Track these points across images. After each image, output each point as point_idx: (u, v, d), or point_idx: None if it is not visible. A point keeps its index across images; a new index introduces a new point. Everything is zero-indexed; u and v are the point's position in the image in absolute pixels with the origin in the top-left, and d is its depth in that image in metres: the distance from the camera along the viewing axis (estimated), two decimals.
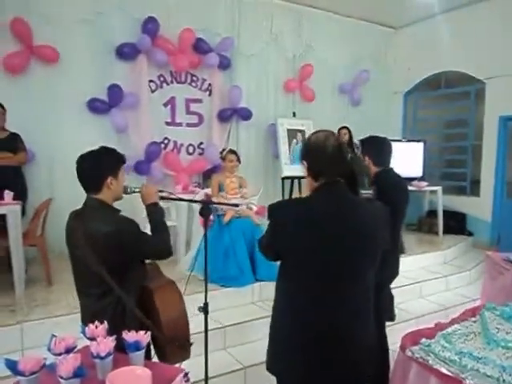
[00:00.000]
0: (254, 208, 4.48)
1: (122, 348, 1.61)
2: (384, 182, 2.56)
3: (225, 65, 5.86)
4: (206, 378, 2.39)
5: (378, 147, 2.74)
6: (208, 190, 4.51)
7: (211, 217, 4.15)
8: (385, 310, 3.93)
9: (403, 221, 2.72)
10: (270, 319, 1.69)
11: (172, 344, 1.84)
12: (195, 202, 2.41)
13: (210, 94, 5.90)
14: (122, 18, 5.14)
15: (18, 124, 4.32)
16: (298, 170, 6.16)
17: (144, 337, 1.62)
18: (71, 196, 1.95)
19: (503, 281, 3.19)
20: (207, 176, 5.44)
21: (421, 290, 4.68)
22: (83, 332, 1.66)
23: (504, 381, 1.56)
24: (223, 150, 4.53)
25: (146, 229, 2.06)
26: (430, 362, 1.72)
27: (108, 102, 5.05)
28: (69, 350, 1.55)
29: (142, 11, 5.15)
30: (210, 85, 5.88)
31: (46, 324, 3.03)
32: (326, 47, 6.71)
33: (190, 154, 5.84)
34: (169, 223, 4.89)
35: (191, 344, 1.98)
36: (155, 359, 1.98)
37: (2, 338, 2.90)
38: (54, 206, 4.04)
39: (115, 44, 5.10)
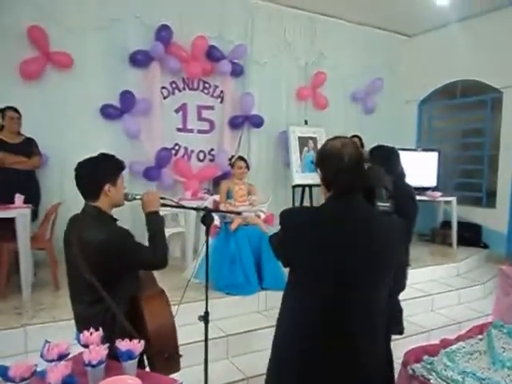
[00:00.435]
0: (263, 216, 4.46)
1: (115, 356, 1.59)
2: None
3: (237, 72, 5.87)
4: None
5: (386, 156, 2.70)
6: (217, 197, 4.50)
7: (218, 224, 4.16)
8: (391, 322, 3.88)
9: (412, 232, 2.67)
10: (274, 329, 1.63)
11: (160, 355, 1.82)
12: (196, 209, 2.38)
13: (221, 101, 5.92)
14: (136, 26, 5.20)
15: (33, 129, 4.40)
16: (309, 178, 6.13)
17: (137, 346, 1.60)
18: (80, 200, 1.96)
19: None
20: (217, 183, 5.43)
21: (432, 303, 4.57)
22: (77, 339, 1.65)
23: None
24: (232, 156, 4.52)
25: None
26: (432, 381, 1.66)
27: (120, 108, 5.10)
28: (61, 357, 1.54)
29: (155, 19, 5.21)
30: (221, 92, 5.90)
31: (50, 328, 3.05)
32: (338, 55, 6.67)
33: (200, 160, 5.85)
34: (177, 229, 4.97)
35: (180, 356, 1.95)
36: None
37: (7, 341, 2.93)
38: (63, 209, 4.07)
39: (129, 51, 5.16)
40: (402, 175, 3.24)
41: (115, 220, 2.00)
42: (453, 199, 6.08)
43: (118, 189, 1.97)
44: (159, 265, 1.97)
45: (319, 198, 6.52)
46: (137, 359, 1.58)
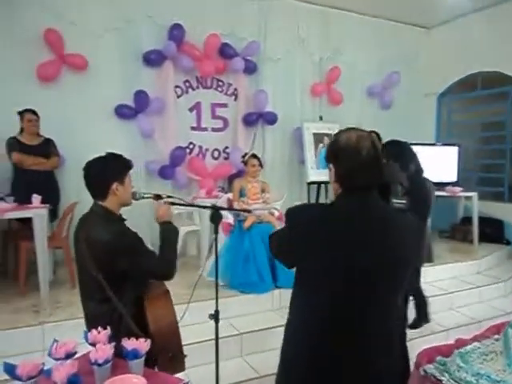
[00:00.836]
0: (277, 213, 4.43)
1: (123, 355, 1.60)
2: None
3: (251, 69, 5.85)
4: None
5: (399, 152, 2.63)
6: (231, 195, 4.50)
7: (232, 222, 4.16)
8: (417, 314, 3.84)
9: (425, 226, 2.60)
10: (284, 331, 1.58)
11: (164, 354, 1.82)
12: (204, 207, 2.38)
13: (235, 99, 5.91)
14: (149, 26, 5.23)
15: (50, 130, 4.47)
16: (325, 174, 6.02)
17: (143, 344, 1.61)
18: None
19: None
20: (232, 181, 5.43)
21: (452, 301, 4.46)
22: (85, 337, 1.67)
23: None
24: (245, 154, 4.51)
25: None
26: (444, 382, 1.61)
27: (135, 108, 5.14)
28: (68, 356, 1.55)
29: (168, 18, 5.22)
30: (235, 89, 5.88)
31: (67, 326, 3.10)
32: (354, 49, 6.57)
33: (215, 158, 5.86)
34: (192, 228, 4.99)
35: (185, 356, 1.96)
36: None
37: (25, 338, 3.00)
38: (79, 209, 4.12)
39: (142, 51, 5.20)
40: (419, 171, 3.18)
41: (123, 220, 2.01)
42: (474, 194, 5.92)
43: (125, 188, 1.98)
44: (162, 274, 1.94)
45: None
46: (143, 358, 1.59)
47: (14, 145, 4.16)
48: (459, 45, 6.61)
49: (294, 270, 1.47)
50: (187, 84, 5.60)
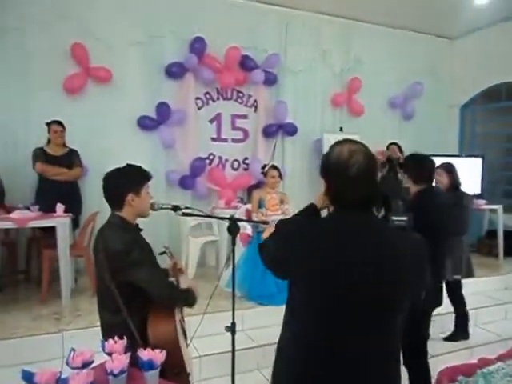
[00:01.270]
0: None
1: (138, 365, 1.61)
2: (424, 202, 2.41)
3: (271, 81, 5.89)
4: None
5: (418, 165, 2.59)
6: (249, 206, 4.50)
7: (250, 233, 4.15)
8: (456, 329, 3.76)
9: (447, 243, 2.54)
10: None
11: (169, 370, 1.81)
12: (221, 219, 2.39)
13: (255, 110, 5.95)
14: (171, 40, 5.35)
15: (76, 140, 4.60)
16: None
17: (159, 355, 1.61)
18: None
19: None
20: (251, 191, 5.44)
21: (476, 318, 4.32)
22: (103, 347, 1.68)
23: None
24: (265, 165, 4.50)
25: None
26: None
27: (156, 119, 5.23)
28: (85, 365, 1.56)
29: (190, 32, 5.33)
30: (255, 101, 5.92)
31: (86, 334, 3.13)
32: (375, 60, 6.53)
33: (234, 169, 5.89)
34: (211, 238, 5.01)
35: (188, 374, 1.95)
36: None
37: (45, 345, 3.05)
38: (100, 218, 4.20)
39: (164, 64, 5.31)
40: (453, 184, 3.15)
41: (139, 229, 2.04)
42: (499, 207, 5.77)
43: (142, 199, 2.00)
44: (158, 295, 1.93)
45: None
46: (158, 369, 1.59)
47: (39, 155, 4.27)
48: (483, 55, 6.49)
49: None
50: (208, 96, 5.67)
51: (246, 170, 5.92)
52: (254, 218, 4.09)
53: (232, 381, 2.39)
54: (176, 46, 5.36)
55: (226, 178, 5.69)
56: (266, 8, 5.81)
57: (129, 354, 1.58)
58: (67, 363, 1.58)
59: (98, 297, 2.04)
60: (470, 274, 3.87)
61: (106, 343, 1.67)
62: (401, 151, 5.76)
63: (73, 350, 1.63)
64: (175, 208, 2.15)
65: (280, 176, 4.36)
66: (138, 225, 2.06)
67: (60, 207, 3.88)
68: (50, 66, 4.77)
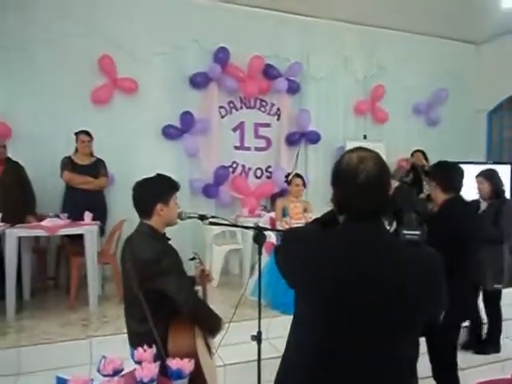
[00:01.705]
0: None
1: (166, 374, 1.62)
2: (451, 211, 2.36)
3: (293, 89, 5.91)
4: None
5: (448, 172, 2.54)
6: (273, 214, 4.50)
7: (275, 241, 4.15)
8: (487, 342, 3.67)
9: (475, 252, 2.47)
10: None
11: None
12: (248, 228, 2.39)
13: (278, 119, 5.97)
14: (196, 50, 5.45)
15: (103, 150, 4.70)
16: None
17: (188, 364, 1.62)
18: None
19: None
20: (275, 199, 5.44)
21: (507, 330, 4.17)
22: (132, 355, 1.71)
23: None
24: (288, 174, 4.50)
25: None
26: None
27: (181, 128, 5.31)
28: (116, 373, 1.59)
29: (213, 42, 5.41)
30: (278, 109, 5.95)
31: (113, 340, 3.16)
32: (399, 67, 6.47)
33: (257, 177, 5.91)
34: (235, 246, 5.03)
35: None
36: None
37: (73, 351, 3.10)
38: (127, 226, 4.28)
39: (188, 74, 5.40)
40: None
41: (168, 239, 2.06)
42: None
43: (170, 208, 2.03)
44: (184, 303, 1.92)
45: None
46: (187, 378, 1.60)
47: (66, 164, 4.39)
48: (509, 60, 6.34)
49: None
50: (231, 104, 5.73)
51: (268, 178, 5.93)
52: (278, 227, 4.08)
53: None
54: (200, 56, 5.45)
55: (249, 187, 5.71)
56: (288, 17, 5.85)
57: (158, 362, 1.60)
58: (98, 370, 1.60)
59: (125, 305, 2.07)
60: (499, 281, 3.76)
61: (135, 351, 1.70)
62: (426, 158, 5.68)
63: (103, 357, 1.66)
64: (202, 217, 2.17)
65: (304, 184, 4.35)
66: (165, 234, 2.09)
67: (88, 215, 3.97)
68: (79, 78, 4.91)
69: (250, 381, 2.69)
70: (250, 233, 4.62)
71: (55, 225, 3.77)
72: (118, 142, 5.08)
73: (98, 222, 4.10)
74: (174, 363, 1.60)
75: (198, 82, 5.40)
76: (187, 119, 5.28)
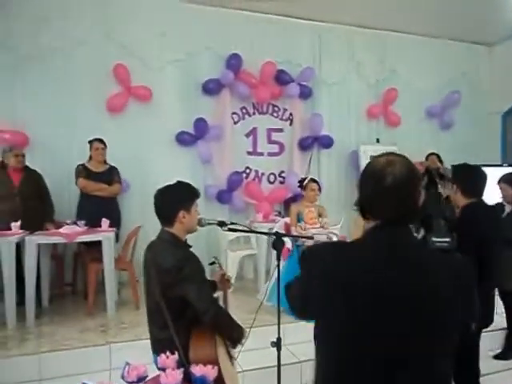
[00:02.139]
0: (335, 238, 4.37)
1: (189, 380, 1.64)
2: (473, 215, 2.34)
3: (306, 94, 5.92)
4: None
5: (471, 176, 2.51)
6: (287, 219, 4.50)
7: (290, 247, 4.14)
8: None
9: (499, 255, 2.44)
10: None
11: None
12: (267, 234, 2.40)
13: (290, 124, 5.99)
14: (208, 57, 5.50)
15: (117, 157, 4.75)
16: None
17: (211, 371, 1.63)
18: (159, 224, 2.11)
19: None
20: (288, 204, 5.43)
21: None
22: (155, 362, 1.72)
23: None
24: (303, 179, 4.49)
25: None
26: None
27: (194, 135, 5.36)
28: (140, 379, 1.61)
29: (226, 48, 5.46)
30: (291, 114, 5.97)
31: (132, 346, 3.19)
32: (411, 70, 6.45)
33: (271, 182, 5.92)
34: (249, 252, 5.03)
35: None
36: None
37: (93, 357, 3.14)
38: (143, 233, 4.32)
39: (201, 81, 5.45)
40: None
41: (189, 246, 2.08)
42: None
43: (192, 216, 2.05)
44: (203, 311, 1.93)
45: None
46: None
47: (81, 171, 4.44)
48: None
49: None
50: (244, 110, 5.76)
51: (282, 183, 5.94)
52: (294, 232, 4.08)
53: None
54: (212, 62, 5.50)
55: (262, 192, 5.73)
56: (300, 23, 5.88)
57: (182, 369, 1.61)
58: (122, 377, 1.63)
59: (148, 312, 2.09)
60: None
61: (158, 358, 1.71)
62: (440, 161, 5.63)
63: (127, 364, 1.68)
64: (221, 223, 2.19)
65: (319, 189, 4.35)
66: (186, 240, 2.11)
67: (105, 222, 4.01)
68: (94, 87, 4.99)
69: None
70: (265, 238, 4.68)
71: (73, 232, 3.82)
72: (133, 149, 5.14)
73: (115, 229, 4.14)
74: (197, 370, 1.62)
75: (211, 88, 5.44)
76: (201, 126, 5.32)
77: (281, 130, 5.96)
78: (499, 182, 3.61)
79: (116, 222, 4.41)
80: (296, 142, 5.93)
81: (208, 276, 2.18)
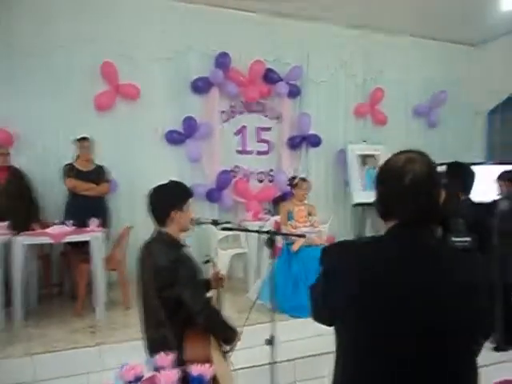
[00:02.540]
0: (324, 237, 4.41)
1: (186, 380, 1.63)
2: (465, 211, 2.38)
3: (294, 93, 5.94)
4: None
5: (468, 174, 2.55)
6: (277, 218, 4.51)
7: (280, 245, 4.16)
8: None
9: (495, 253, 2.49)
10: None
11: None
12: (262, 232, 2.41)
13: (279, 122, 6.00)
14: (197, 55, 5.47)
15: (105, 157, 4.70)
16: (371, 196, 5.96)
17: (208, 370, 1.62)
18: (148, 223, 2.09)
19: None
20: (277, 203, 5.44)
21: None
22: (149, 362, 1.71)
23: None
24: (293, 177, 4.49)
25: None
26: None
27: (183, 134, 5.33)
28: (137, 379, 1.59)
29: (215, 47, 5.44)
30: (279, 113, 5.97)
31: (123, 347, 3.16)
32: (398, 70, 6.52)
33: (260, 181, 5.93)
34: (239, 250, 5.02)
35: None
36: None
37: (83, 358, 3.09)
38: (133, 232, 4.29)
39: (190, 79, 5.42)
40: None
41: (183, 246, 2.07)
42: None
43: (185, 215, 2.04)
44: (200, 314, 1.93)
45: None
46: None
47: (69, 170, 4.38)
48: (508, 61, 6.40)
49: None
50: (233, 109, 5.75)
51: (271, 181, 5.95)
52: (284, 231, 4.09)
53: None
54: (201, 61, 5.47)
55: (251, 190, 5.73)
56: (288, 22, 5.87)
57: (179, 369, 1.60)
58: (119, 377, 1.61)
59: (142, 311, 2.07)
60: None
61: (154, 358, 1.70)
62: None
63: (124, 364, 1.66)
64: (215, 222, 2.19)
65: (309, 188, 4.37)
66: (181, 240, 2.10)
67: (94, 222, 3.96)
68: (81, 85, 4.92)
69: None
70: (255, 237, 4.68)
71: (61, 232, 3.76)
72: (121, 147, 5.09)
73: (104, 229, 4.09)
74: (194, 369, 1.61)
75: (200, 86, 5.42)
76: (190, 124, 5.30)
77: (269, 129, 5.96)
78: (498, 180, 3.74)
79: (105, 222, 4.36)
80: (285, 140, 5.94)
81: (204, 274, 2.17)
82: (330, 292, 1.14)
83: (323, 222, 4.82)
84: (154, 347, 1.97)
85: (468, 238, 1.39)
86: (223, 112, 5.68)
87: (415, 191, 1.08)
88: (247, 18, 5.63)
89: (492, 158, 6.84)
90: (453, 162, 2.70)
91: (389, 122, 6.54)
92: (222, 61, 5.39)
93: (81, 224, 3.98)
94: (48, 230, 3.78)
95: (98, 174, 4.52)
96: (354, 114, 6.44)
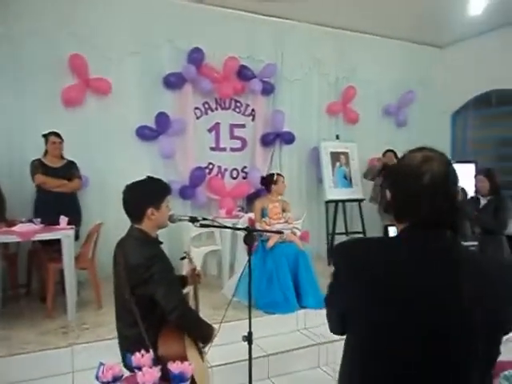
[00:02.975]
0: (298, 233, 4.46)
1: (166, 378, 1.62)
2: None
3: (268, 90, 5.95)
4: None
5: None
6: (252, 215, 4.52)
7: (255, 242, 4.17)
8: None
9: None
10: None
11: None
12: (239, 229, 2.41)
13: (253, 119, 6.00)
14: (170, 50, 5.39)
15: (74, 152, 4.56)
16: (343, 193, 6.09)
17: (189, 368, 1.62)
18: (121, 221, 2.05)
19: None
20: (251, 200, 5.46)
21: None
22: (125, 360, 1.70)
23: None
24: (270, 174, 4.49)
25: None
26: None
27: (156, 130, 5.25)
28: (116, 379, 1.58)
29: (188, 42, 5.37)
30: (253, 110, 5.98)
31: (96, 347, 3.11)
32: (370, 69, 6.64)
33: (233, 178, 5.92)
34: (213, 247, 5.00)
35: None
36: None
37: (55, 360, 3.02)
38: (104, 230, 4.19)
39: (163, 74, 5.33)
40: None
41: (159, 243, 2.05)
42: None
43: (161, 212, 2.02)
44: (170, 309, 1.91)
45: (352, 213, 6.45)
46: (189, 382, 1.60)
47: (38, 167, 4.23)
48: (473, 63, 6.64)
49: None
50: (206, 105, 5.71)
51: (244, 178, 5.95)
52: (258, 227, 4.11)
53: None
54: (174, 56, 5.39)
55: (225, 187, 5.71)
56: (262, 19, 5.88)
57: (159, 367, 1.59)
58: (97, 377, 1.59)
59: (116, 309, 2.04)
60: None
61: (132, 357, 1.68)
62: (397, 158, 5.85)
63: (102, 364, 1.64)
64: (193, 219, 2.17)
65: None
66: (157, 237, 2.08)
67: (64, 219, 3.84)
68: (48, 78, 4.75)
69: (237, 382, 2.72)
70: (229, 233, 4.68)
71: (29, 230, 3.63)
72: (92, 143, 4.97)
73: (74, 227, 3.98)
74: (175, 367, 1.61)
75: (173, 82, 5.35)
76: (162, 120, 5.22)
77: (243, 126, 5.96)
78: (477, 176, 3.97)
79: (76, 219, 4.25)
80: (258, 137, 5.95)
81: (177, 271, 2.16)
82: (336, 293, 1.14)
83: (297, 219, 4.87)
84: (127, 345, 1.95)
85: (475, 243, 1.37)
86: (197, 108, 5.63)
87: (433, 191, 1.05)
88: (221, 14, 5.59)
89: (457, 157, 7.10)
90: None
91: (360, 120, 6.66)
92: (195, 56, 5.34)
93: (50, 222, 3.86)
94: (14, 228, 3.64)
95: (68, 170, 4.39)
96: (326, 112, 6.52)
